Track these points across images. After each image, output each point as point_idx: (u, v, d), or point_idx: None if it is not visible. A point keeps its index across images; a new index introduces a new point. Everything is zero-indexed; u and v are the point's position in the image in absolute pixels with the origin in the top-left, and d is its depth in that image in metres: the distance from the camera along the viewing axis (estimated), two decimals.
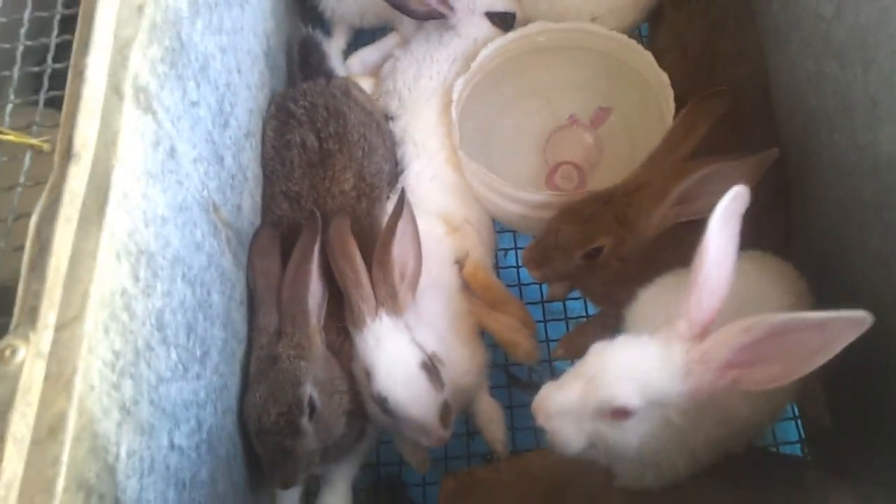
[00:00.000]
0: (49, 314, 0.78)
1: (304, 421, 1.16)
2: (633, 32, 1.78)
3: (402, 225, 1.27)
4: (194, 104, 1.15)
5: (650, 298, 1.13)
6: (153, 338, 0.94)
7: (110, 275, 0.85)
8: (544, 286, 1.64)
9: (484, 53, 1.64)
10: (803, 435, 1.47)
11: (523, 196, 1.46)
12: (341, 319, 1.30)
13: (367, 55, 1.88)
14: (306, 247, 1.28)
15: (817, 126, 1.26)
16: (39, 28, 1.05)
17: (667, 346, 0.92)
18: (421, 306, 1.33)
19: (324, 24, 1.92)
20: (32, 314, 0.78)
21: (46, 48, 1.02)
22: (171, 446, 0.97)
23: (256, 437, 1.19)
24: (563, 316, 1.67)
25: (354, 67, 1.86)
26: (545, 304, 1.65)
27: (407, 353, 1.23)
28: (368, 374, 1.23)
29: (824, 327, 0.84)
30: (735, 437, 1.06)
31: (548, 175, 1.62)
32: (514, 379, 1.66)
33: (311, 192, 1.43)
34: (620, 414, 0.92)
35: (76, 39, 0.95)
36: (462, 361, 1.36)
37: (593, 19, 1.68)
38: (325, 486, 1.37)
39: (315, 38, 1.73)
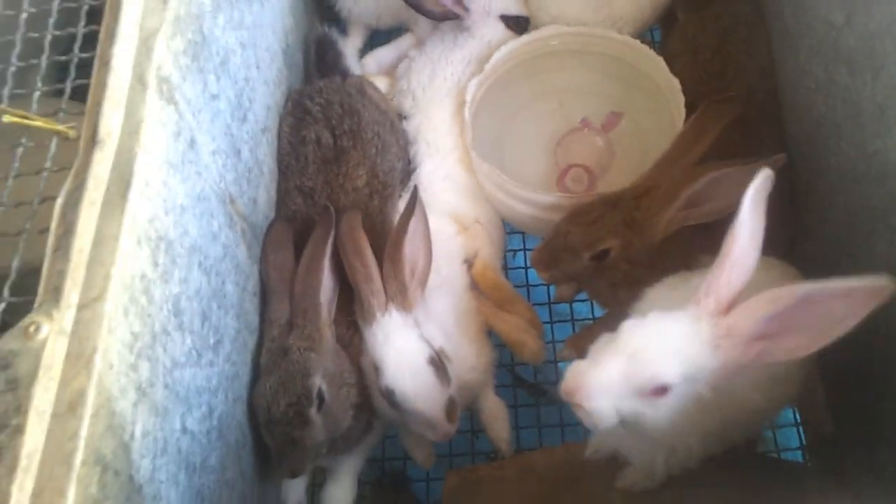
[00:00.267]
0: (72, 294, 0.80)
1: (313, 412, 1.18)
2: (646, 38, 1.79)
3: (413, 222, 1.29)
4: (214, 97, 1.17)
5: (657, 297, 1.14)
6: (169, 323, 0.96)
7: (131, 259, 0.87)
8: (551, 288, 1.65)
9: (498, 56, 1.66)
10: (804, 441, 1.47)
11: (533, 197, 1.48)
12: (351, 314, 1.31)
13: (383, 55, 1.90)
14: (319, 241, 1.30)
15: (825, 132, 1.27)
16: (67, 18, 1.08)
17: (696, 322, 0.93)
18: (430, 303, 1.35)
19: (340, 23, 1.95)
20: (56, 293, 0.80)
21: (73, 38, 1.05)
22: (184, 430, 0.99)
23: (265, 426, 1.20)
24: (569, 318, 1.68)
25: (370, 66, 1.88)
26: (552, 305, 1.66)
27: (415, 347, 1.24)
28: (377, 368, 1.24)
29: (848, 295, 0.86)
30: (747, 423, 1.08)
31: (558, 177, 1.63)
32: (520, 380, 1.67)
33: (325, 187, 1.45)
34: (659, 391, 0.92)
35: (102, 30, 0.98)
36: (468, 358, 1.37)
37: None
38: (331, 478, 1.39)
39: (331, 37, 1.75)
